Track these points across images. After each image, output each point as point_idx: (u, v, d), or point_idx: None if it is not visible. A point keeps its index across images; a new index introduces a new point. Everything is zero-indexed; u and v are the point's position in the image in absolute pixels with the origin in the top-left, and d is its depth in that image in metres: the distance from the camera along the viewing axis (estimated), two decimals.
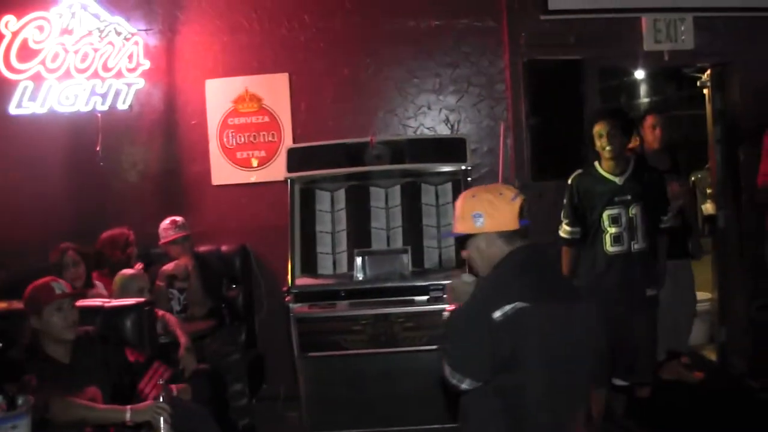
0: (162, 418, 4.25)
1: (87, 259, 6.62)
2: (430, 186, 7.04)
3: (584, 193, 6.25)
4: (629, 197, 6.12)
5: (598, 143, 6.17)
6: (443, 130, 7.85)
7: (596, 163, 6.29)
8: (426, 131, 7.87)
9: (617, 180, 6.17)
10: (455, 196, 6.82)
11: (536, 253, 3.71)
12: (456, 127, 7.86)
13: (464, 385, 3.47)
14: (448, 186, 7.02)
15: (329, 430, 6.53)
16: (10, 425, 3.72)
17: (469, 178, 6.84)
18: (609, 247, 6.12)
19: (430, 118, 7.90)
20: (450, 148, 6.93)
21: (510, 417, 3.44)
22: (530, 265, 3.60)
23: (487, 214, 3.61)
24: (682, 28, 7.70)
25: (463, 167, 6.81)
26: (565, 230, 6.36)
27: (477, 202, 3.66)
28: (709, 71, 8.34)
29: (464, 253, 3.78)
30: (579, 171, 6.37)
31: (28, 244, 7.19)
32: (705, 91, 8.47)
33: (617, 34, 7.76)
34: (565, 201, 6.36)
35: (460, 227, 3.69)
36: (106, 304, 5.59)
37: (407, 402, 6.45)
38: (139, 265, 6.73)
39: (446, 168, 6.93)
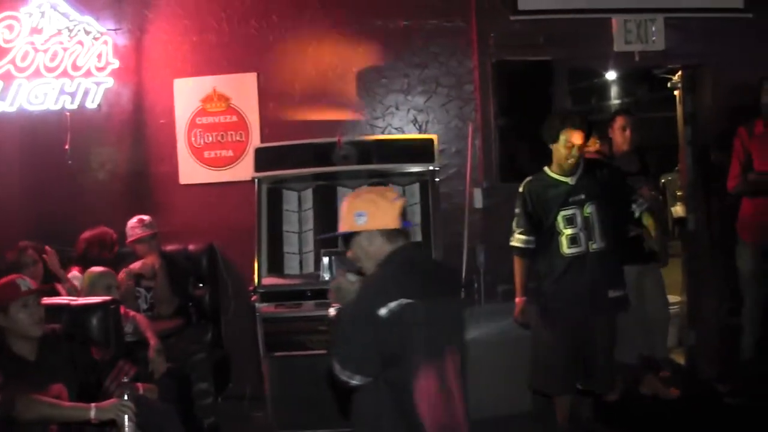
0: (126, 416, 4.32)
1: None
2: (397, 187, 7.14)
3: (537, 199, 6.24)
4: (583, 196, 6.13)
5: (565, 151, 6.12)
6: (411, 131, 7.95)
7: (546, 168, 6.31)
8: (394, 131, 7.97)
9: (569, 180, 6.18)
10: (423, 197, 7.01)
11: (419, 251, 3.97)
12: (424, 127, 7.96)
13: (354, 381, 3.64)
14: (416, 186, 7.16)
15: (295, 430, 6.65)
16: None
17: (437, 179, 6.99)
18: (566, 249, 6.13)
19: (398, 119, 8.01)
20: (418, 148, 7.06)
21: (399, 410, 3.62)
22: (414, 263, 3.83)
23: (369, 212, 3.82)
24: (653, 29, 7.83)
25: (431, 168, 6.95)
26: (519, 239, 6.32)
27: (360, 202, 3.89)
28: (680, 73, 8.46)
29: (348, 254, 3.96)
30: (529, 178, 6.37)
31: None
32: (676, 92, 8.61)
33: (587, 34, 7.88)
34: (517, 210, 6.33)
35: (343, 226, 3.90)
36: (72, 302, 5.69)
37: None
38: (122, 274, 6.86)
39: (414, 168, 7.06)
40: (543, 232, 6.23)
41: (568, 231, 6.13)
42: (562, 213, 6.14)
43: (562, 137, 6.14)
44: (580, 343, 6.19)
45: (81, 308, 5.62)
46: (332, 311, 3.77)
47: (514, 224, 6.36)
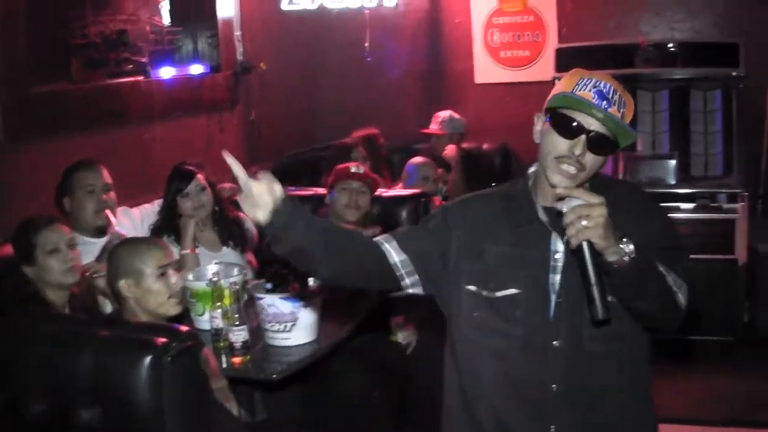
0: None
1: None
2: (698, 92, 7.38)
3: None
4: None
5: None
6: (713, 35, 8.00)
7: None
8: (695, 35, 8.05)
9: None
10: (725, 104, 7.22)
11: None
12: (726, 32, 7.96)
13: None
14: (717, 93, 7.35)
15: None
16: (302, 303, 4.19)
17: (740, 85, 7.16)
18: None
19: (700, 21, 8.09)
20: (722, 53, 7.24)
21: None
22: None
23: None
24: None
25: (735, 73, 7.13)
26: None
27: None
28: None
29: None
30: None
31: (294, 135, 7.99)
32: None
33: None
34: None
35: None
36: (384, 193, 6.07)
37: None
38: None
39: (717, 73, 7.26)
40: None
41: None
42: None
43: None
44: None
45: (392, 199, 6.00)
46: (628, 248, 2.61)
47: None
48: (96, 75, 5.81)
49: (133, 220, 5.24)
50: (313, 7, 7.90)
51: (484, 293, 2.89)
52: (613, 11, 8.23)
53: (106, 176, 4.93)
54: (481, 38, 8.58)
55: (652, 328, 2.87)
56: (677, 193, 6.95)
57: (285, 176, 6.99)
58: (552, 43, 8.24)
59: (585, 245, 2.54)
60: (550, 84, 7.13)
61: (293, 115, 8.21)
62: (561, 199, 2.60)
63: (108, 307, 4.44)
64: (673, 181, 7.04)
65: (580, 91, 2.75)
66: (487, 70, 8.59)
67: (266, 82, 7.63)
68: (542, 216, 2.88)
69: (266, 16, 7.81)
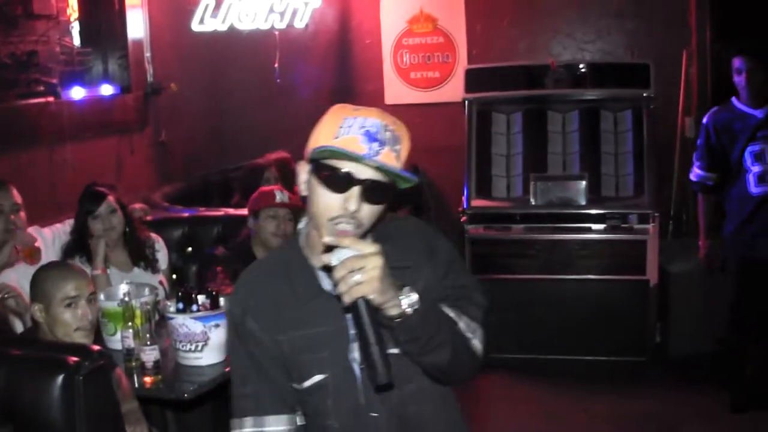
0: None
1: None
2: (608, 113, 7.50)
3: (721, 131, 6.20)
4: None
5: (736, 78, 6.18)
6: (622, 56, 8.25)
7: (733, 98, 6.27)
8: (605, 56, 8.28)
9: (757, 114, 6.11)
10: (636, 124, 7.34)
11: None
12: (636, 52, 8.21)
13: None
14: (628, 113, 7.45)
15: (493, 354, 7.14)
16: (214, 323, 4.18)
17: (651, 106, 7.28)
18: (753, 189, 6.05)
19: (610, 43, 8.32)
20: (632, 73, 7.36)
21: None
22: None
23: None
24: None
25: (645, 94, 7.26)
26: (695, 174, 6.35)
27: None
28: None
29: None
30: (714, 108, 6.37)
31: (204, 156, 7.99)
32: None
33: None
34: (698, 142, 6.36)
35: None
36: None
37: (575, 331, 7.04)
38: None
39: (628, 94, 7.39)
40: (728, 168, 6.21)
41: (755, 168, 6.06)
42: (750, 148, 6.08)
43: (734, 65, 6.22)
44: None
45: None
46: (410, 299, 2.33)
47: (693, 157, 6.45)
48: (6, 96, 5.81)
49: (44, 240, 5.23)
50: (224, 27, 7.88)
51: (294, 386, 2.56)
52: (524, 33, 8.40)
53: (16, 196, 4.94)
54: (390, 59, 8.72)
55: (444, 381, 2.58)
56: (588, 214, 7.07)
57: (196, 197, 7.07)
58: (462, 64, 8.39)
59: (360, 302, 2.23)
60: (460, 105, 7.31)
61: (204, 136, 8.20)
62: (330, 249, 2.26)
63: (19, 327, 4.43)
64: (583, 202, 7.12)
65: (345, 134, 2.36)
66: (397, 91, 8.72)
67: (176, 103, 7.63)
68: (326, 285, 2.49)
69: (176, 36, 7.79)
